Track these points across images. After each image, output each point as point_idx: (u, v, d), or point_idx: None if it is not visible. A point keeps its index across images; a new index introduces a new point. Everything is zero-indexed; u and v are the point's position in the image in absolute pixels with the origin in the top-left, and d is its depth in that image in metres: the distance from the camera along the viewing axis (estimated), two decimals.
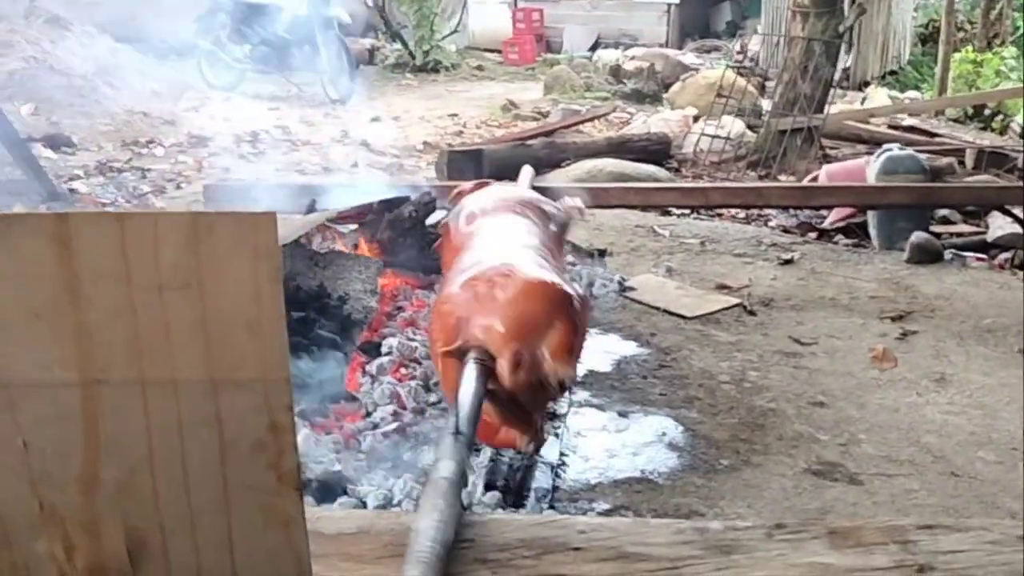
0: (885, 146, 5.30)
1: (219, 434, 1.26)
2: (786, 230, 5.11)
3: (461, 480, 1.57)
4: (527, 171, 3.74)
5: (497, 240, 2.34)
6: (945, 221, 5.09)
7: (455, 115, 9.05)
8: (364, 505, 2.06)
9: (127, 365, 1.21)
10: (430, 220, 3.69)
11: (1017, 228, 4.43)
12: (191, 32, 9.49)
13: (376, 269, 3.18)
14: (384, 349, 2.78)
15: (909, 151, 5.11)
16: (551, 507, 2.24)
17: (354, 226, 3.45)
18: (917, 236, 4.34)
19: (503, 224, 2.48)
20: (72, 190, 5.18)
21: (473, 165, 5.98)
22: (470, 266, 2.04)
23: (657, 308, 3.67)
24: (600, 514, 2.22)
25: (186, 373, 1.23)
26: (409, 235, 3.53)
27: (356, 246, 3.38)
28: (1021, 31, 14.84)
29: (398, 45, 12.68)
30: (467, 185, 3.08)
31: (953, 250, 4.50)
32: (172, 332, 1.22)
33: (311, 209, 3.46)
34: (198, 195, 4.91)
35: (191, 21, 9.52)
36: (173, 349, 1.23)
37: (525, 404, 1.89)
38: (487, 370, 1.83)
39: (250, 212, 1.18)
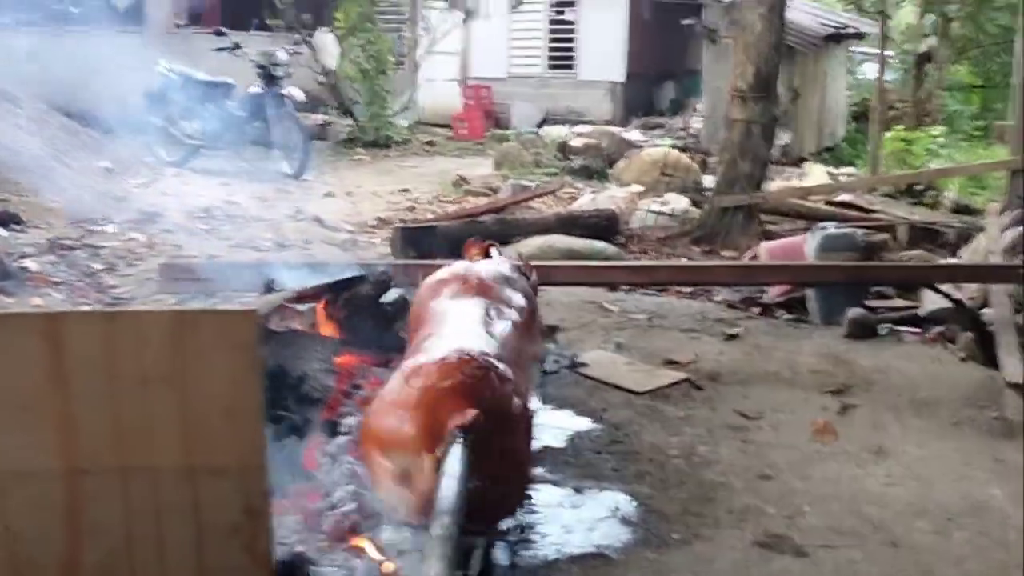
0: (822, 224, 5.53)
1: (196, 518, 1.32)
2: (731, 305, 5.27)
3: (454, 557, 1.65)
4: (495, 252, 3.82)
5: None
6: (881, 296, 5.30)
7: (407, 190, 9.18)
8: None
9: (109, 454, 1.26)
10: (385, 298, 3.77)
11: (948, 303, 4.64)
12: (142, 109, 9.55)
13: (333, 348, 3.24)
14: (342, 428, 2.82)
15: (845, 229, 5.34)
16: None
17: (311, 305, 3.50)
18: (853, 312, 4.53)
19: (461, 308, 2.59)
20: (23, 268, 5.15)
21: (426, 241, 6.10)
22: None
23: (608, 384, 3.77)
24: None
25: (166, 460, 1.29)
26: (366, 313, 3.60)
27: (313, 325, 3.43)
28: (950, 109, 15.61)
29: (350, 120, 12.87)
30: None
31: (889, 324, 4.68)
32: (154, 422, 1.29)
33: (269, 289, 3.51)
34: (150, 272, 4.93)
35: (142, 97, 9.59)
36: (154, 438, 1.29)
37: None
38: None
39: (231, 309, 1.26)
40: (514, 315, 2.73)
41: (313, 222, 7.05)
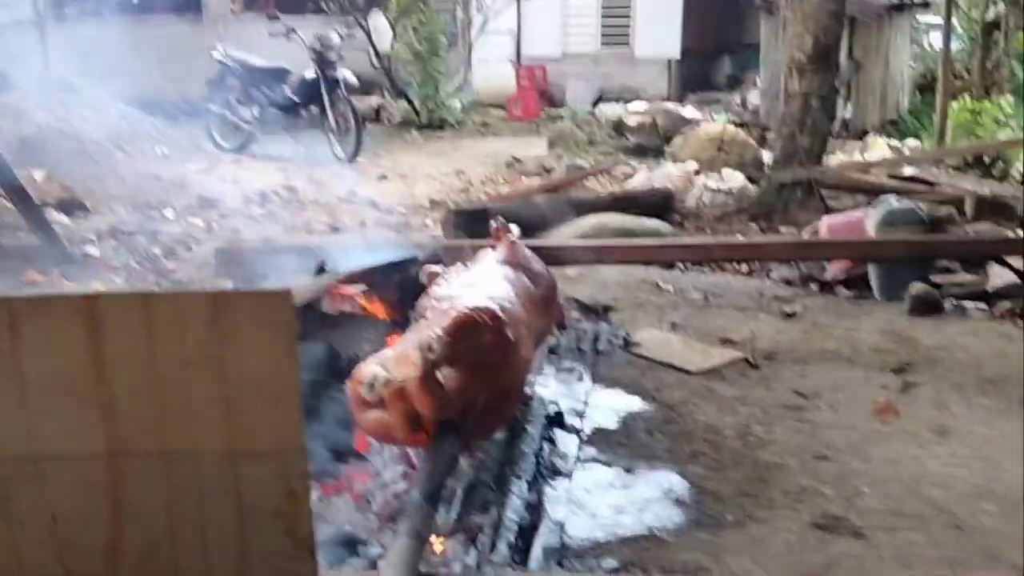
0: (883, 197, 5.37)
1: (238, 503, 1.32)
2: (788, 282, 5.17)
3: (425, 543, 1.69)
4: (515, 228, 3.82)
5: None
6: (946, 271, 5.14)
7: (461, 172, 9.19)
8: (374, 566, 2.09)
9: (151, 437, 1.27)
10: None
11: (1016, 277, 4.48)
12: (201, 95, 9.71)
13: (385, 329, 3.25)
14: None
15: (908, 203, 5.18)
16: (559, 565, 2.27)
17: (363, 287, 3.52)
18: (917, 287, 4.39)
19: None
20: (85, 254, 5.28)
21: (478, 223, 6.09)
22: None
23: (662, 363, 3.72)
24: (607, 572, 2.25)
25: (207, 444, 1.29)
26: (416, 295, 3.60)
27: (365, 307, 3.44)
28: (1020, 79, 15.04)
29: (404, 103, 12.91)
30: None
31: (953, 300, 4.54)
32: (194, 405, 1.29)
33: (320, 271, 3.53)
34: (208, 257, 5.01)
35: (201, 85, 9.74)
36: (195, 421, 1.29)
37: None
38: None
39: (268, 290, 1.25)
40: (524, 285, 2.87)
41: (367, 205, 7.10)
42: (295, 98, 9.43)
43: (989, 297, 4.58)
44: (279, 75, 9.64)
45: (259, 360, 1.29)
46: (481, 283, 2.75)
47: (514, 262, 3.04)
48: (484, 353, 2.34)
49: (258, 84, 9.55)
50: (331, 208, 6.93)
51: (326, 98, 9.19)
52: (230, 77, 9.60)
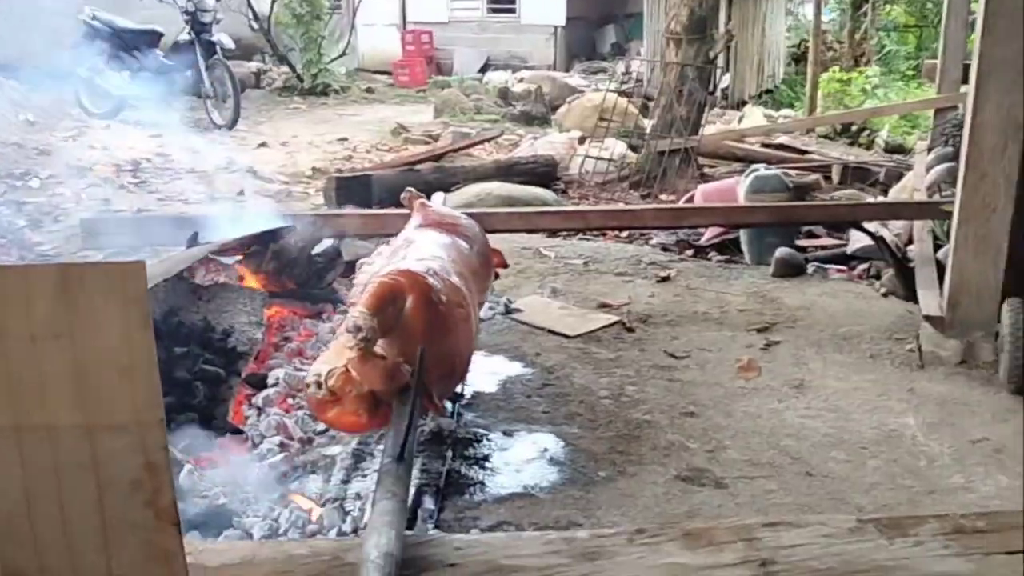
0: (754, 166, 5.60)
1: (96, 476, 1.32)
2: (665, 248, 5.35)
3: (405, 502, 1.70)
4: (439, 196, 3.84)
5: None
6: (811, 235, 5.41)
7: (344, 139, 9.06)
8: (250, 537, 2.11)
9: (3, 413, 1.25)
10: (317, 249, 3.74)
11: (872, 241, 4.74)
12: (66, 59, 9.23)
13: (262, 300, 3.22)
14: (271, 381, 2.82)
15: (775, 170, 5.42)
16: (436, 527, 2.32)
17: (239, 258, 3.47)
18: (781, 251, 4.62)
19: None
20: None
21: (362, 191, 6.05)
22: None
23: (542, 328, 3.81)
24: (483, 531, 2.32)
25: (62, 419, 1.29)
26: (295, 265, 3.58)
27: (241, 278, 3.40)
28: (887, 50, 15.77)
29: (286, 68, 12.60)
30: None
31: (816, 263, 4.80)
32: (46, 380, 1.28)
33: (194, 242, 3.46)
34: (77, 228, 4.82)
35: (68, 48, 9.26)
36: (48, 396, 1.28)
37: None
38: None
39: (119, 262, 1.25)
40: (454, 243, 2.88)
41: (246, 173, 6.94)
42: (168, 62, 9.09)
43: (848, 259, 4.85)
44: (151, 38, 9.26)
45: (112, 333, 1.29)
46: (405, 252, 2.73)
47: (437, 223, 3.02)
48: (414, 313, 2.31)
49: (129, 47, 9.15)
50: (208, 177, 6.74)
51: (201, 62, 8.90)
52: (99, 40, 9.16)
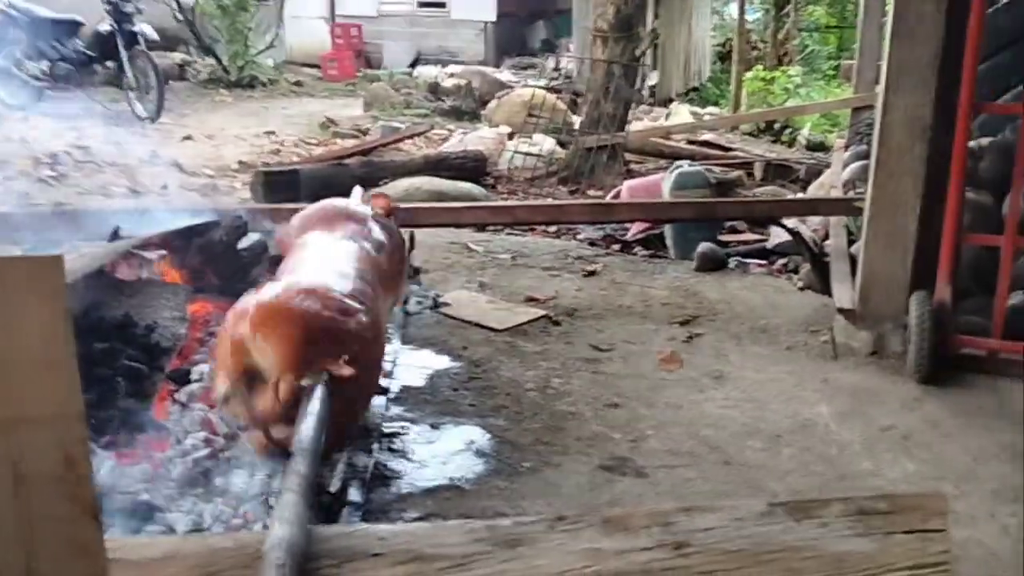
0: (677, 162, 5.72)
1: (15, 469, 1.31)
2: (592, 243, 5.43)
3: (309, 493, 1.70)
4: (358, 191, 3.82)
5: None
6: (733, 231, 5.56)
7: (272, 132, 8.96)
8: (173, 532, 2.10)
9: None
10: (242, 244, 3.71)
11: (790, 237, 4.90)
12: None
13: (185, 295, 3.19)
14: (194, 376, 2.80)
15: (698, 167, 5.55)
16: (363, 519, 2.34)
17: (162, 252, 3.42)
18: (704, 246, 4.74)
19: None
20: None
21: (289, 185, 6.00)
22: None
23: (469, 322, 3.84)
24: (408, 522, 2.34)
25: None
26: (220, 260, 3.54)
27: (164, 273, 3.35)
28: (808, 49, 16.20)
29: (211, 60, 12.37)
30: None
31: (737, 258, 4.93)
32: None
33: (115, 236, 3.40)
34: None
35: None
36: None
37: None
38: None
39: (35, 255, 1.25)
40: (371, 249, 2.80)
41: (170, 167, 6.81)
42: (89, 52, 8.86)
43: (768, 254, 5.00)
44: (71, 27, 9.01)
45: (29, 327, 1.28)
46: (299, 265, 2.64)
47: (336, 224, 2.98)
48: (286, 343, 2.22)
49: (47, 37, 8.89)
50: (130, 170, 6.60)
51: (123, 53, 8.69)
52: (15, 29, 8.87)
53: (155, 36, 9.13)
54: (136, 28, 8.79)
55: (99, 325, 2.77)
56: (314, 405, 2.07)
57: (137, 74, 8.70)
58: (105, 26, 8.81)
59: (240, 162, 7.40)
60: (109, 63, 8.83)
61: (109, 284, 3.02)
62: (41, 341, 1.26)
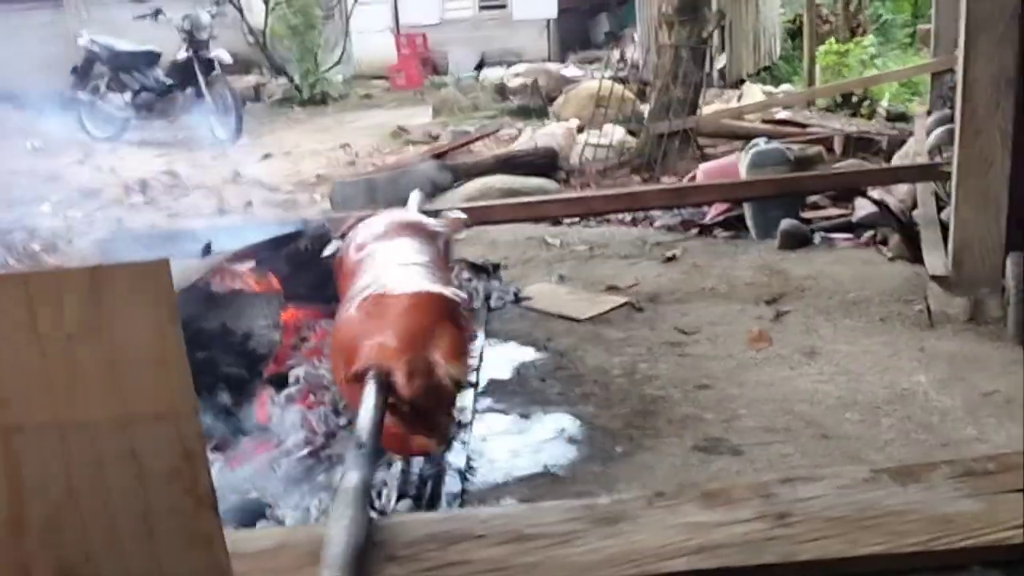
0: (753, 141, 5.63)
1: (136, 467, 1.38)
2: (670, 229, 5.39)
3: (366, 488, 1.72)
4: (415, 195, 3.90)
5: (384, 263, 2.51)
6: (815, 206, 5.44)
7: (346, 145, 9.13)
8: (283, 525, 2.17)
9: (42, 411, 1.32)
10: (326, 251, 3.81)
11: (876, 208, 4.78)
12: (68, 84, 9.34)
13: (277, 304, 3.29)
14: (291, 379, 2.89)
15: (775, 144, 5.45)
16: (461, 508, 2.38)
17: (251, 264, 3.54)
18: (786, 223, 4.65)
19: (389, 247, 2.65)
20: None
21: (365, 193, 6.12)
22: (360, 290, 2.20)
23: (551, 314, 3.87)
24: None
25: (99, 413, 1.35)
26: (306, 267, 3.65)
27: (255, 283, 3.47)
28: (882, 19, 15.73)
29: (284, 80, 12.68)
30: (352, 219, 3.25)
31: (822, 233, 4.83)
32: (82, 377, 1.34)
33: (207, 252, 3.53)
34: (90, 249, 4.90)
35: (67, 73, 9.37)
36: (85, 392, 1.35)
37: (427, 408, 2.06)
38: (385, 385, 1.99)
39: (144, 261, 1.32)
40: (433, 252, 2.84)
41: (253, 184, 7.02)
42: (168, 81, 9.19)
43: (853, 227, 4.88)
44: (149, 58, 9.37)
45: (142, 328, 1.35)
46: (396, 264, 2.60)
47: (407, 225, 3.03)
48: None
49: (128, 69, 9.26)
50: (216, 190, 6.82)
51: (201, 79, 8.99)
52: (98, 63, 9.27)
53: (230, 60, 9.41)
54: (212, 54, 9.08)
55: (198, 336, 2.88)
56: (369, 398, 1.99)
57: (216, 98, 8.99)
58: (182, 54, 9.13)
59: (318, 175, 7.57)
60: (188, 90, 9.14)
61: (204, 297, 3.14)
62: (152, 341, 1.33)
